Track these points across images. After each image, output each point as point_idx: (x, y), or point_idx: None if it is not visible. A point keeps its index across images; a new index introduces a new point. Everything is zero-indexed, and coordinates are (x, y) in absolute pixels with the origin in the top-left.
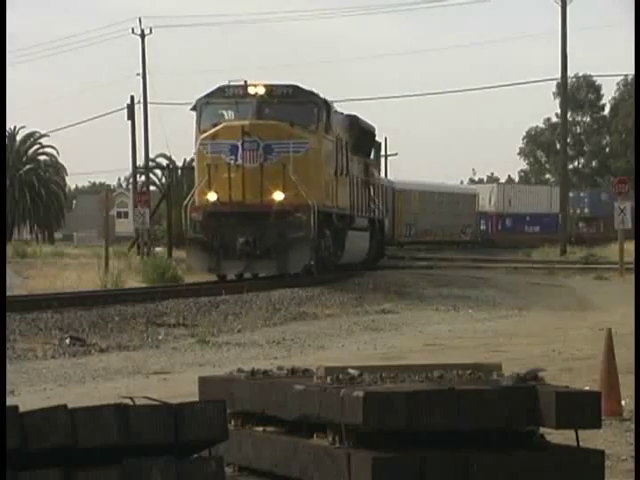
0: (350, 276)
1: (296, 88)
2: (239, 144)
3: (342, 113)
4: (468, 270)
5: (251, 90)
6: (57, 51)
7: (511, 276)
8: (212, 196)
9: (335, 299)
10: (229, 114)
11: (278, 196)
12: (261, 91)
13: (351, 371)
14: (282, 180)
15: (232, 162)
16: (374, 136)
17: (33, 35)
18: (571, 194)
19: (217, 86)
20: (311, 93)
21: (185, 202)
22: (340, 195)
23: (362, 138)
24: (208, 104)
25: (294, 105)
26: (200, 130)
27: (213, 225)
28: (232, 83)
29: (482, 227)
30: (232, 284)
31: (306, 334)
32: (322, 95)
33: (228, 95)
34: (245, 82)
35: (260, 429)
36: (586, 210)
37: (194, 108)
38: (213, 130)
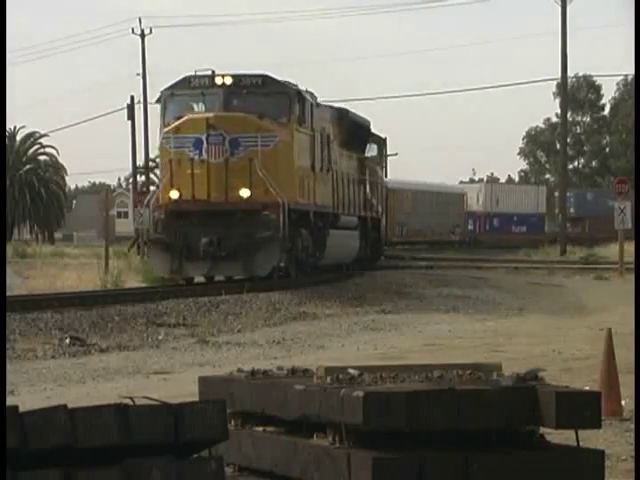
0: (350, 276)
1: (266, 78)
2: (203, 138)
3: (331, 106)
4: (468, 270)
5: (218, 80)
6: (57, 51)
7: (511, 276)
8: (174, 194)
9: (335, 299)
10: (194, 106)
11: (244, 193)
12: (228, 81)
13: (351, 371)
14: (249, 176)
15: (196, 157)
16: (369, 130)
17: (33, 35)
18: (556, 194)
19: (182, 76)
20: (282, 83)
21: (146, 200)
22: (319, 192)
23: (354, 132)
24: (173, 95)
25: (263, 96)
26: (164, 123)
27: (175, 225)
28: (199, 73)
29: (470, 227)
30: (232, 284)
31: (306, 334)
32: (306, 88)
33: (194, 86)
34: (212, 72)
35: (260, 429)
36: (571, 210)
37: (159, 100)
38: (176, 123)
